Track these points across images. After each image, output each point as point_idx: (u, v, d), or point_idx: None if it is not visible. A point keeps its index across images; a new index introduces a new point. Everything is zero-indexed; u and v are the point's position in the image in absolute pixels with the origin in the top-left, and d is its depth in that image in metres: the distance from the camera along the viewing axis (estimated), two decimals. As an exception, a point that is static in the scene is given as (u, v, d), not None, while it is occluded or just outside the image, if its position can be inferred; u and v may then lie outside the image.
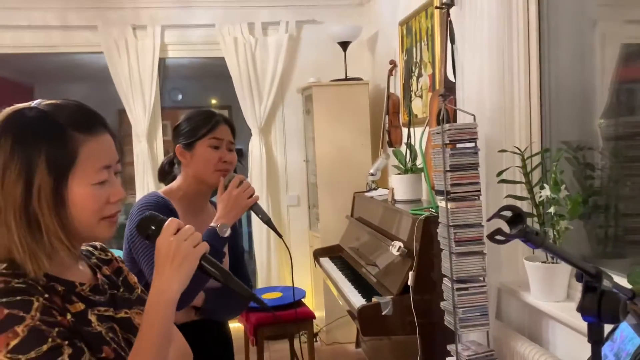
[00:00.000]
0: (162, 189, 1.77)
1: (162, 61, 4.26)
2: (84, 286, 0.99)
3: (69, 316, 0.92)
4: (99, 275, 1.06)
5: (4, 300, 0.86)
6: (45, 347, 0.85)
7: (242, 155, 7.61)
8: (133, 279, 1.15)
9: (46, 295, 0.90)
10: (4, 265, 0.91)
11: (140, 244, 1.60)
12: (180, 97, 6.55)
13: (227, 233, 1.59)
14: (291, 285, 4.25)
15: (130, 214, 1.67)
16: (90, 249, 1.10)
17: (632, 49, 1.94)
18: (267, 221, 1.67)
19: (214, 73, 4.97)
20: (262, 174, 4.25)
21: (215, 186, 1.73)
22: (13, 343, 0.84)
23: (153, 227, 1.01)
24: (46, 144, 0.91)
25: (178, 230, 0.98)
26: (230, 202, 1.63)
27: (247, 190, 1.66)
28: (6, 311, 0.85)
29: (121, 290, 1.09)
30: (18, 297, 0.87)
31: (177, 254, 0.95)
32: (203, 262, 0.98)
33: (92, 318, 0.96)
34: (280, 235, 1.72)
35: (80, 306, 0.96)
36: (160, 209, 1.60)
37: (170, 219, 1.00)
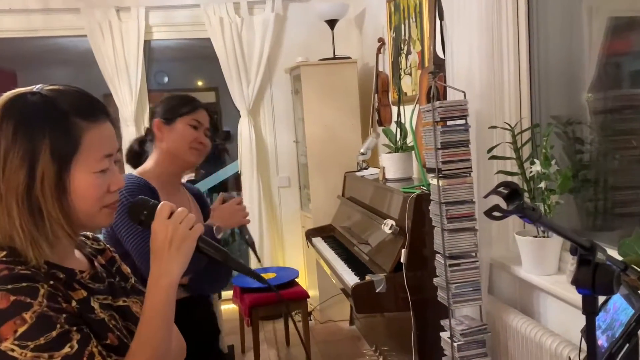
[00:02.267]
0: (137, 170, 1.79)
1: (147, 43, 4.20)
2: (83, 274, 0.98)
3: (73, 303, 0.91)
4: (96, 264, 1.05)
5: (9, 286, 0.85)
6: (54, 333, 0.84)
7: (229, 138, 7.58)
8: (126, 269, 1.15)
9: (51, 282, 0.89)
10: (4, 252, 0.89)
11: (124, 227, 1.61)
12: (166, 79, 6.47)
13: (221, 236, 1.67)
14: (284, 265, 4.28)
15: None
16: (83, 238, 1.09)
17: (618, 22, 1.94)
18: (252, 244, 1.77)
19: (200, 54, 4.91)
20: (252, 156, 4.23)
21: (188, 164, 1.81)
22: (21, 330, 0.83)
23: (145, 212, 1.00)
24: (50, 130, 0.90)
25: (171, 213, 0.98)
26: (226, 214, 1.73)
27: (244, 210, 1.77)
28: (12, 298, 0.84)
29: (117, 279, 1.08)
30: (24, 284, 0.86)
31: (175, 237, 0.95)
32: (200, 243, 0.98)
33: (95, 305, 0.96)
34: (259, 260, 1.93)
35: (83, 293, 0.95)
36: (142, 189, 1.63)
37: (162, 202, 1.00)
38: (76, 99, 0.95)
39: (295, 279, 3.49)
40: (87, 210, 0.94)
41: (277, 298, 3.08)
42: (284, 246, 4.45)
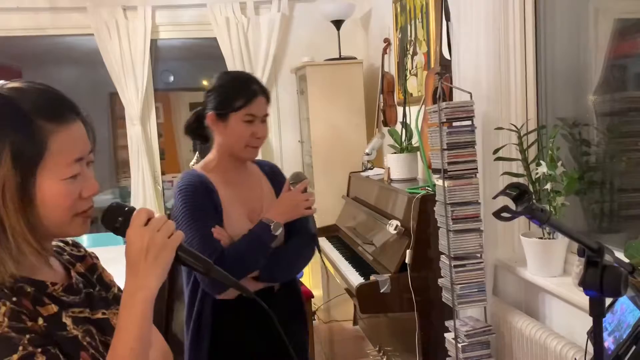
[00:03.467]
0: (199, 164, 1.72)
1: (153, 42, 4.21)
2: (56, 286, 0.90)
3: (40, 321, 0.83)
4: (72, 273, 0.96)
5: None
6: (15, 357, 0.76)
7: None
8: (109, 276, 1.06)
9: (14, 299, 0.81)
10: None
11: (184, 219, 1.55)
12: (172, 78, 6.49)
13: (279, 232, 1.57)
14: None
15: (174, 195, 1.66)
16: (62, 244, 1.01)
17: (625, 24, 1.94)
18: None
19: (206, 54, 4.92)
20: (257, 155, 4.23)
21: (247, 160, 1.71)
22: None
23: (120, 219, 0.90)
24: (11, 135, 0.81)
25: (149, 220, 0.88)
26: (290, 205, 1.63)
27: (309, 199, 1.65)
28: None
29: (97, 288, 0.99)
30: None
31: (151, 246, 0.85)
32: (180, 253, 0.90)
33: (67, 321, 0.87)
34: (324, 264, 1.70)
35: (53, 308, 0.86)
36: (198, 191, 1.58)
37: (138, 209, 0.90)
38: (40, 98, 0.85)
39: (300, 279, 3.49)
40: (57, 220, 0.86)
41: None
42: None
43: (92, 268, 1.02)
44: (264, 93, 1.68)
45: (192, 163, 2.25)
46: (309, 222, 1.72)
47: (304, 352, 1.82)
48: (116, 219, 0.90)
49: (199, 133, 1.74)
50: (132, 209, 0.90)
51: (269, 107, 1.70)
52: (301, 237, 1.71)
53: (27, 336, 0.79)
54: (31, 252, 0.84)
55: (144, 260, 0.85)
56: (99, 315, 0.94)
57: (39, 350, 0.79)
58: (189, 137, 1.78)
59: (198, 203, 1.58)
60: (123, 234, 0.89)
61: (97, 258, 1.06)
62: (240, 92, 1.63)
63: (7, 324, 0.78)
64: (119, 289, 1.04)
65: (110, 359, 0.84)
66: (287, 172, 4.77)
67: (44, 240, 0.88)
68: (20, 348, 0.77)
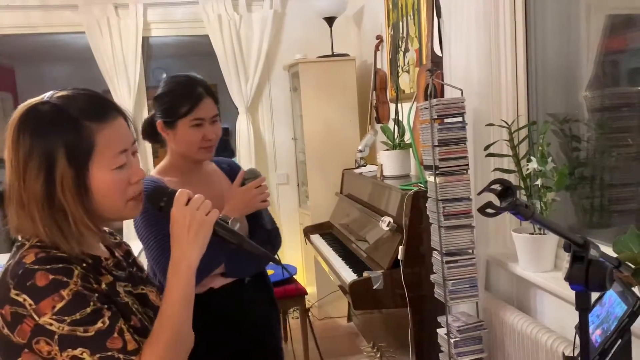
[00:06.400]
0: (155, 169, 1.74)
1: (145, 40, 4.20)
2: (108, 261, 1.06)
3: (103, 285, 0.98)
4: (117, 254, 1.12)
5: (48, 266, 0.91)
6: (88, 310, 0.91)
7: (228, 134, 7.55)
8: (140, 262, 1.21)
9: (84, 265, 0.97)
10: (37, 239, 0.96)
11: (142, 226, 1.58)
12: (164, 76, 6.47)
13: (237, 227, 1.56)
14: (282, 262, 4.28)
15: None
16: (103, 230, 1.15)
17: (616, 20, 1.95)
18: (271, 230, 1.72)
19: (198, 51, 4.90)
20: (250, 153, 4.24)
21: (203, 161, 1.70)
22: (59, 305, 0.89)
23: (165, 199, 1.06)
24: (63, 137, 0.95)
25: (189, 200, 1.03)
26: (242, 200, 1.64)
27: (263, 193, 1.67)
28: (51, 277, 0.90)
29: (134, 269, 1.15)
30: (60, 265, 0.92)
31: (192, 223, 1.01)
32: (217, 228, 1.04)
33: (120, 290, 1.02)
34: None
35: (109, 278, 1.02)
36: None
37: (179, 190, 1.05)
38: (85, 102, 0.99)
39: (294, 276, 3.50)
40: (113, 205, 1.00)
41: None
42: (282, 243, 4.45)
43: (127, 253, 1.18)
44: (210, 94, 1.65)
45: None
46: (264, 218, 1.74)
47: (277, 340, 1.85)
48: (161, 199, 1.07)
49: (155, 138, 1.72)
50: (174, 191, 1.06)
51: (217, 107, 1.68)
52: (258, 235, 1.72)
53: (96, 295, 0.94)
54: (90, 234, 1.01)
55: (186, 235, 1.01)
56: (140, 291, 1.09)
57: (105, 307, 0.94)
58: (148, 141, 1.78)
59: None
60: (167, 212, 1.04)
61: (128, 245, 1.21)
62: (184, 98, 1.61)
63: (81, 284, 0.93)
64: (147, 274, 1.22)
65: (159, 320, 0.98)
66: (283, 169, 4.71)
67: (100, 223, 1.04)
68: (91, 304, 0.92)
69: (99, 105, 1.00)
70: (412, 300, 2.29)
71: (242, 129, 4.24)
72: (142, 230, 1.60)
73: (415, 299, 2.30)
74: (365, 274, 2.34)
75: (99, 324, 0.91)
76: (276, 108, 4.39)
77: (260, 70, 4.19)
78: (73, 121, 0.96)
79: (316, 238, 3.39)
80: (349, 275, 2.54)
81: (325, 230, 3.49)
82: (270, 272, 3.52)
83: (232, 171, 1.82)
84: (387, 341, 2.87)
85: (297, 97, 4.07)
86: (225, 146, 7.20)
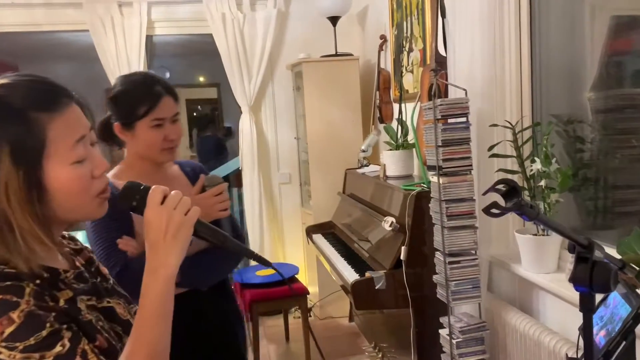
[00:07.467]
0: (111, 172, 1.60)
1: (149, 39, 4.20)
2: (67, 273, 0.92)
3: (61, 302, 0.85)
4: (77, 264, 0.98)
5: None
6: (44, 332, 0.79)
7: (231, 134, 7.54)
8: (104, 270, 1.07)
9: (37, 281, 0.83)
10: None
11: (91, 230, 1.48)
12: (168, 75, 6.47)
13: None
14: (284, 262, 4.29)
15: None
16: (59, 238, 1.00)
17: (620, 21, 1.94)
18: (222, 242, 1.63)
19: (202, 50, 4.91)
20: (253, 152, 4.24)
21: (166, 162, 1.61)
22: (9, 330, 0.77)
23: (137, 197, 0.90)
24: (7, 133, 0.80)
25: (164, 198, 0.88)
26: (202, 208, 1.58)
27: (223, 202, 1.56)
28: None
29: (98, 279, 1.01)
30: (8, 282, 0.80)
31: (170, 225, 0.86)
32: (198, 228, 0.91)
33: (81, 306, 0.89)
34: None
35: (69, 293, 0.89)
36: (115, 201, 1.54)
37: (153, 187, 0.90)
38: (30, 90, 0.84)
39: (295, 275, 3.50)
40: (77, 204, 0.87)
41: (286, 283, 3.03)
42: (284, 242, 4.46)
43: (89, 261, 1.03)
44: (170, 92, 1.56)
45: None
46: (224, 228, 1.59)
47: (240, 350, 1.77)
48: (133, 198, 0.91)
49: (113, 140, 1.62)
50: (148, 188, 0.90)
51: (178, 105, 1.58)
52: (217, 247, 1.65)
53: (53, 314, 0.81)
54: (42, 249, 0.85)
55: (163, 239, 0.86)
56: (105, 304, 0.96)
57: (64, 327, 0.81)
58: (104, 145, 1.64)
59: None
60: (141, 213, 0.89)
61: (91, 252, 1.07)
62: (142, 98, 1.51)
63: (33, 303, 0.80)
64: (113, 281, 1.06)
65: (134, 335, 0.85)
66: (285, 169, 4.72)
67: (56, 232, 0.89)
68: (48, 325, 0.80)
69: (48, 92, 0.85)
70: (414, 301, 2.28)
71: (245, 128, 4.24)
72: (90, 234, 1.50)
73: (417, 300, 2.29)
74: (367, 274, 2.34)
75: (58, 348, 0.79)
76: (279, 107, 4.39)
77: (263, 69, 4.19)
78: (17, 113, 0.81)
79: (318, 238, 3.39)
80: (351, 275, 2.54)
81: (327, 230, 3.49)
82: (271, 271, 3.54)
83: (195, 175, 1.71)
84: (389, 342, 2.86)
85: (300, 96, 4.07)
86: (221, 147, 7.17)
